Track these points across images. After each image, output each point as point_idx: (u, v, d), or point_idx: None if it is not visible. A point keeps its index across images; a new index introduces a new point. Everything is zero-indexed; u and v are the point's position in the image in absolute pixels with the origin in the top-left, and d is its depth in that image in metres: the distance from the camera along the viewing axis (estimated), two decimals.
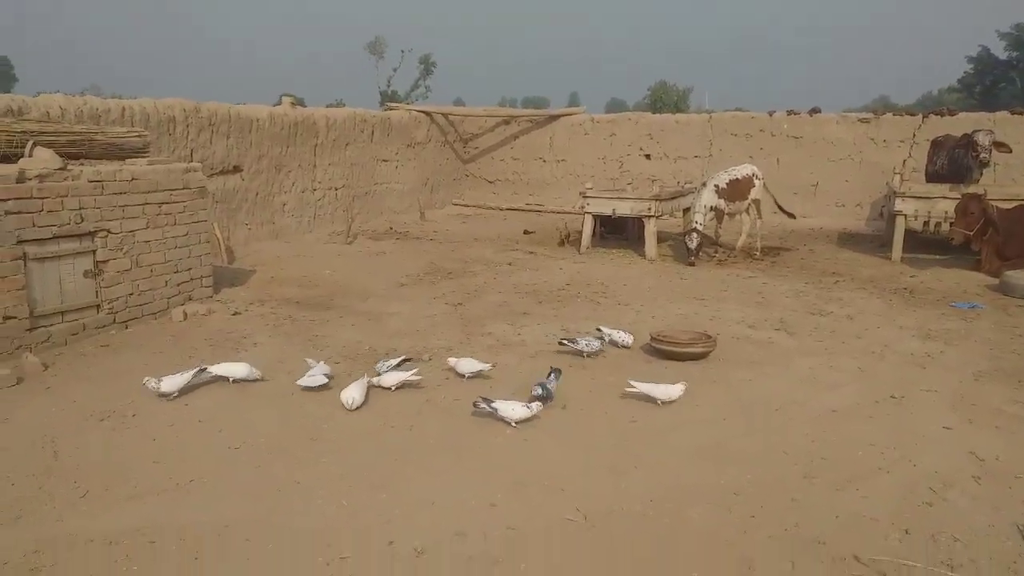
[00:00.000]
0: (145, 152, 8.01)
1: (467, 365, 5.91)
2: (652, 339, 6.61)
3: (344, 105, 14.92)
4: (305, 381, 5.58)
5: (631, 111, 17.72)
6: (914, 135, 14.21)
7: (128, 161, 7.47)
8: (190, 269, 7.84)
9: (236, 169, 10.90)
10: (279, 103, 12.61)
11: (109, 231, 6.89)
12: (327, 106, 15.10)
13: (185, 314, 7.41)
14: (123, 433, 4.84)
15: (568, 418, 5.22)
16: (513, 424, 4.98)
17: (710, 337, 6.59)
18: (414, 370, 5.80)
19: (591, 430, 5.02)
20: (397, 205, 14.95)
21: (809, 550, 3.61)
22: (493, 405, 5.03)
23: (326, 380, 5.59)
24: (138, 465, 4.38)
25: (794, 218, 11.69)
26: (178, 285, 7.69)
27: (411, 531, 3.72)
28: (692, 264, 10.60)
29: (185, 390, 5.47)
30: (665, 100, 45.97)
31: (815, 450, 4.66)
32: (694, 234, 10.63)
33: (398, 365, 5.98)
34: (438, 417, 5.18)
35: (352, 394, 5.25)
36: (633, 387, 5.46)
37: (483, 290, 9.06)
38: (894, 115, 14.88)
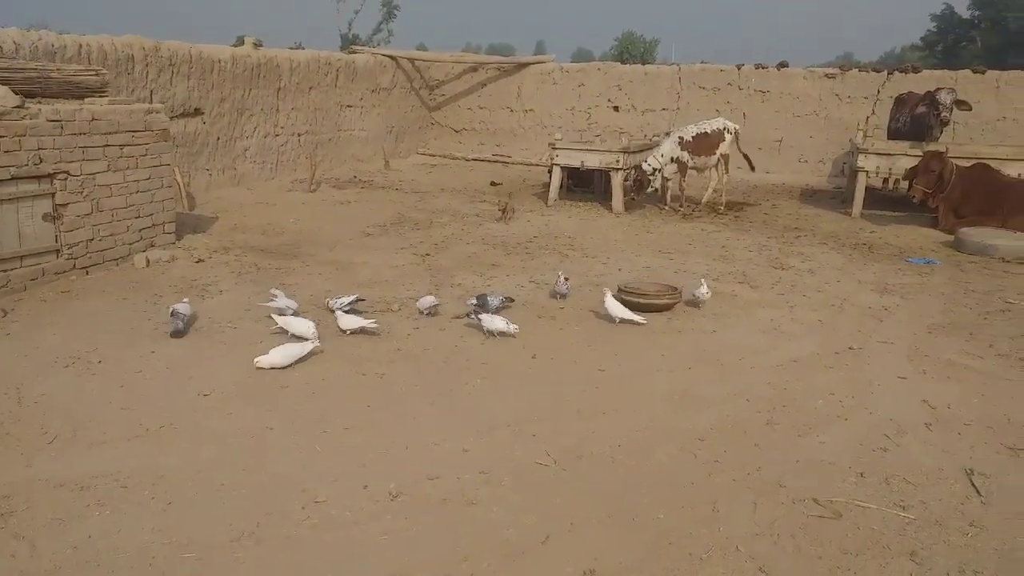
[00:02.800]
0: (103, 92, 7.73)
1: (426, 301, 6.25)
2: (620, 290, 6.68)
3: (304, 48, 14.41)
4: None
5: (599, 61, 17.50)
6: (878, 92, 14.36)
7: (87, 100, 7.22)
8: (152, 215, 7.67)
9: (197, 112, 10.60)
10: (239, 43, 12.23)
11: (69, 173, 6.69)
12: (289, 48, 14.61)
13: (148, 260, 7.28)
14: (89, 379, 4.78)
15: (537, 366, 5.30)
16: (495, 335, 5.68)
17: (675, 289, 6.69)
18: (372, 320, 5.81)
19: (560, 378, 5.10)
20: (361, 153, 14.71)
21: (770, 492, 3.76)
22: (479, 316, 5.78)
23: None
24: (106, 411, 4.35)
25: (753, 170, 11.75)
26: (140, 231, 7.53)
27: (385, 475, 3.78)
28: (631, 200, 10.97)
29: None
30: (632, 51, 45.58)
31: (776, 398, 4.82)
32: (634, 172, 10.81)
33: (351, 303, 6.08)
34: (409, 365, 5.21)
35: (271, 358, 4.99)
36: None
37: (451, 241, 9.04)
38: (860, 71, 14.99)
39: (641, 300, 6.56)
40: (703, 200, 11.47)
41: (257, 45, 12.19)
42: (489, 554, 3.21)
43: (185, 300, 5.85)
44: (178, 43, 10.25)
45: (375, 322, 5.80)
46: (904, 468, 4.00)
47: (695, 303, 6.59)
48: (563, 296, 6.77)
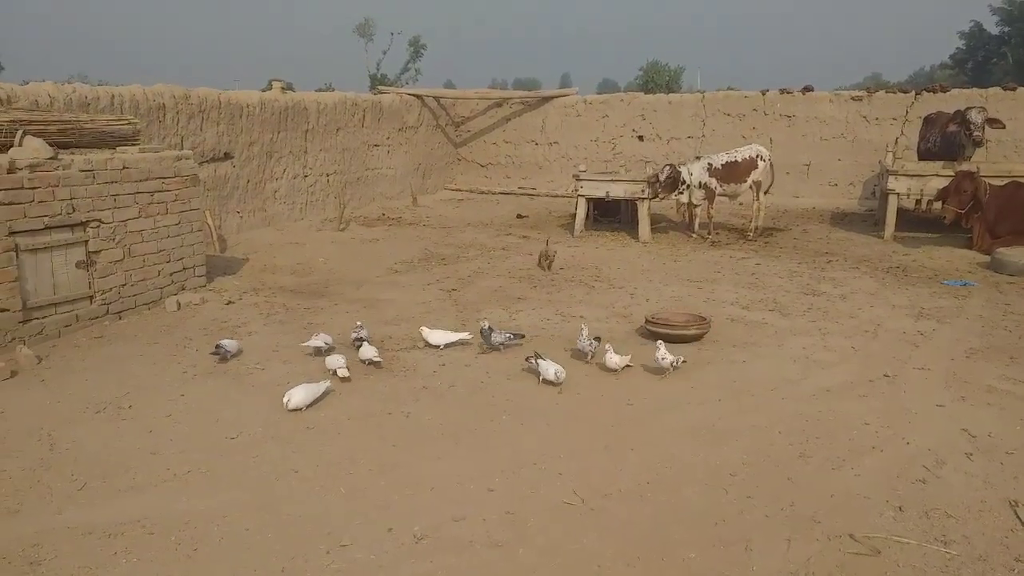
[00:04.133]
0: (135, 140, 7.95)
1: (439, 337, 6.32)
2: (647, 321, 6.63)
3: (334, 89, 14.73)
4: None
5: (623, 92, 17.58)
6: (907, 112, 14.19)
7: (119, 149, 7.42)
8: (183, 259, 7.81)
9: (227, 156, 10.83)
10: (268, 88, 12.52)
11: (101, 221, 6.85)
12: (317, 90, 14.94)
13: (179, 304, 7.39)
14: (119, 425, 4.84)
15: (564, 401, 5.24)
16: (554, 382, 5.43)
17: (704, 319, 6.61)
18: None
19: (587, 413, 5.04)
20: (389, 191, 14.89)
21: (805, 528, 3.65)
22: (539, 361, 5.56)
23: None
24: (135, 456, 4.39)
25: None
26: (171, 275, 7.67)
27: (410, 517, 3.74)
28: (657, 197, 11.15)
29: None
30: (657, 80, 45.69)
31: (809, 429, 4.70)
32: (668, 168, 10.90)
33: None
34: (435, 403, 5.19)
35: (295, 397, 5.01)
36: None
37: (477, 275, 9.05)
38: (886, 92, 14.85)
39: (670, 331, 6.48)
40: (752, 225, 11.34)
41: (285, 89, 12.46)
42: None
43: (233, 339, 6.17)
44: (207, 90, 10.51)
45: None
46: (944, 501, 3.86)
47: (658, 371, 5.69)
48: (588, 355, 5.95)
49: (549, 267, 9.19)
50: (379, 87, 16.51)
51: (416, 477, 4.14)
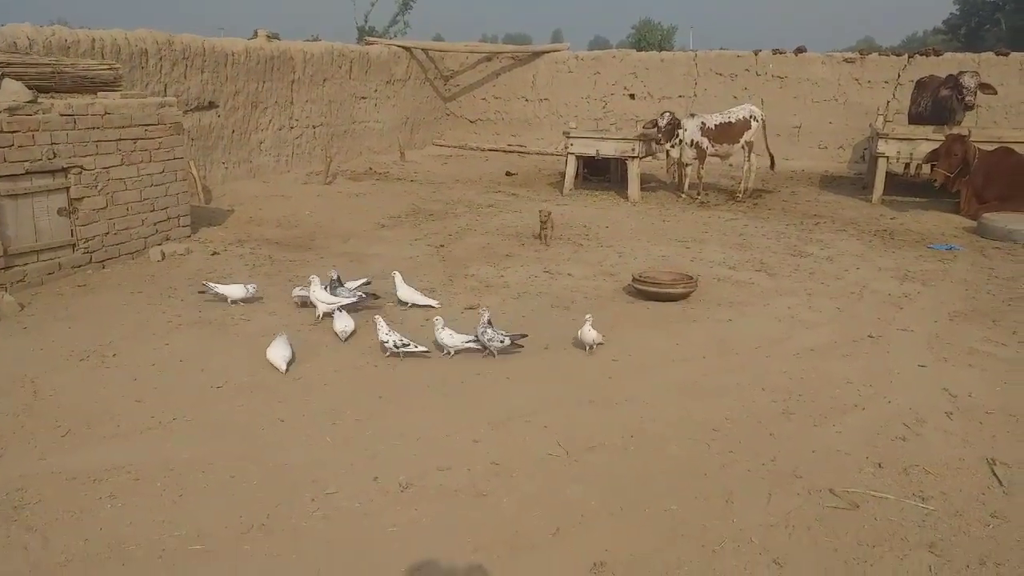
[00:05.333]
0: (117, 86, 7.77)
1: (407, 293, 6.15)
2: (634, 280, 6.63)
3: (320, 40, 14.41)
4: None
5: (614, 49, 17.34)
6: (899, 76, 14.10)
7: (100, 95, 7.25)
8: (167, 208, 7.70)
9: (212, 105, 10.63)
10: (254, 37, 12.24)
11: (83, 167, 6.73)
12: (304, 41, 14.60)
13: (163, 254, 7.31)
14: (103, 373, 4.81)
15: (551, 357, 5.25)
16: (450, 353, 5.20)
17: (691, 278, 6.62)
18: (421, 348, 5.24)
19: (573, 369, 5.06)
20: (376, 144, 14.69)
21: (786, 483, 3.70)
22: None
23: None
24: (120, 404, 4.37)
25: (773, 168, 11.55)
26: (155, 224, 7.57)
27: (396, 466, 3.76)
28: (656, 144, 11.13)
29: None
30: (650, 39, 45.12)
31: (793, 387, 4.74)
32: (668, 115, 10.91)
33: (359, 287, 6.22)
34: (419, 358, 5.18)
35: (276, 354, 4.91)
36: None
37: (466, 232, 9.00)
38: (879, 55, 14.73)
39: (657, 290, 6.50)
40: (742, 187, 11.27)
41: (271, 38, 12.19)
42: (499, 546, 3.18)
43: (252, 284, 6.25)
44: (191, 36, 10.27)
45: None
46: (923, 458, 3.92)
47: (582, 346, 5.33)
48: (593, 347, 5.33)
49: (547, 240, 8.38)
50: (367, 38, 16.17)
51: (402, 428, 4.16)
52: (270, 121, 11.78)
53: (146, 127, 7.42)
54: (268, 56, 11.58)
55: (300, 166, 12.47)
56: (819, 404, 4.53)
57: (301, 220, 9.28)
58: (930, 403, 4.54)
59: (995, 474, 3.77)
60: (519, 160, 15.37)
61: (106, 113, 6.93)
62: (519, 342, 5.23)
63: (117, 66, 7.99)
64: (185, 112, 9.99)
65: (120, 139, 7.13)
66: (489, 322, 5.18)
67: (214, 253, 7.56)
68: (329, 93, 13.14)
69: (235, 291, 6.05)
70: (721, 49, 15.76)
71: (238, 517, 3.34)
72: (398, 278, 6.20)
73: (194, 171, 9.77)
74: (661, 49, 28.04)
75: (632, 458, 3.94)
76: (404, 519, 3.35)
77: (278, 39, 12.93)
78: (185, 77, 10.14)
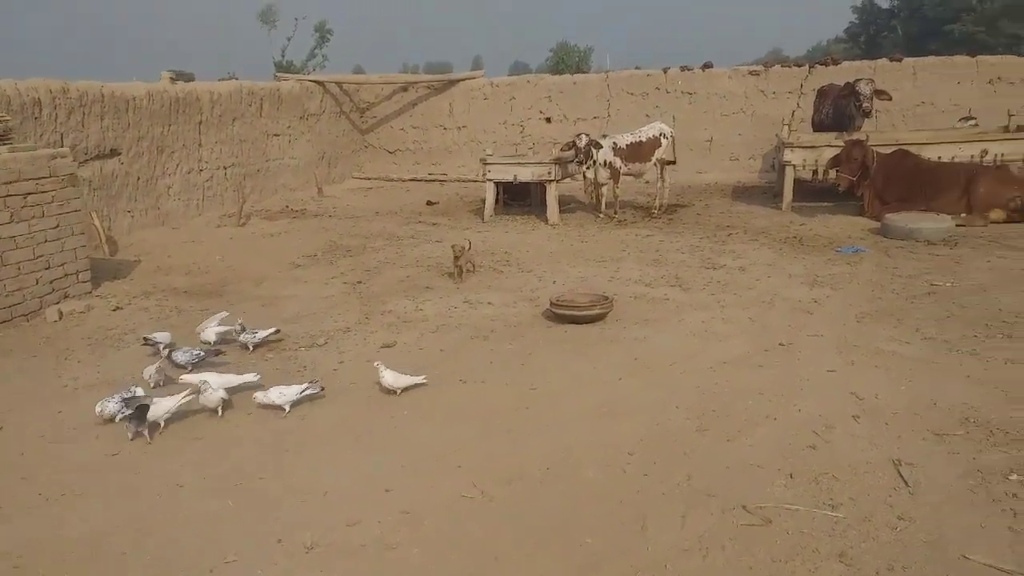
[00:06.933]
0: (8, 139, 7.42)
1: (392, 379, 5.07)
2: (552, 304, 6.61)
3: (237, 79, 14.13)
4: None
5: (528, 74, 17.53)
6: (801, 86, 14.61)
7: None
8: (63, 264, 7.34)
9: (114, 152, 10.24)
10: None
11: None
12: (219, 80, 14.27)
13: (60, 313, 6.95)
14: None
15: (467, 392, 5.16)
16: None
17: (607, 298, 6.63)
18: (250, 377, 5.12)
19: (490, 401, 4.97)
20: (292, 181, 14.42)
21: (700, 503, 3.69)
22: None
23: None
24: (5, 483, 4.08)
25: (673, 163, 11.76)
26: (51, 282, 7.19)
27: (301, 525, 3.59)
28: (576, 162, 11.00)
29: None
30: (567, 61, 45.90)
31: (706, 403, 4.76)
32: (587, 136, 10.90)
33: (268, 336, 6.07)
34: (331, 403, 5.01)
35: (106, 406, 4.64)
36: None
37: (384, 266, 8.86)
38: (782, 67, 15.26)
39: (575, 312, 6.49)
40: (657, 203, 11.43)
41: (174, 80, 11.87)
42: None
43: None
44: (88, 83, 9.89)
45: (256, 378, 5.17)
46: (832, 465, 3.96)
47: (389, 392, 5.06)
48: (399, 392, 5.05)
49: (461, 276, 7.99)
50: (278, 74, 15.91)
51: (309, 483, 3.99)
52: (177, 165, 11.43)
53: (37, 180, 7.07)
54: (172, 99, 11.25)
55: (213, 209, 12.12)
56: (732, 418, 4.55)
57: (212, 266, 8.99)
58: (838, 408, 4.61)
59: (901, 475, 3.84)
60: (440, 188, 15.30)
61: None
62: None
63: (6, 118, 7.64)
64: (84, 162, 9.62)
65: (8, 195, 6.78)
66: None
67: (116, 308, 7.23)
68: (240, 132, 12.85)
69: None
70: (636, 68, 16.07)
71: None
72: (381, 369, 5.10)
73: (96, 222, 9.38)
74: (580, 70, 28.42)
75: (548, 490, 3.87)
76: None
77: (193, 79, 12.58)
78: (83, 125, 9.75)
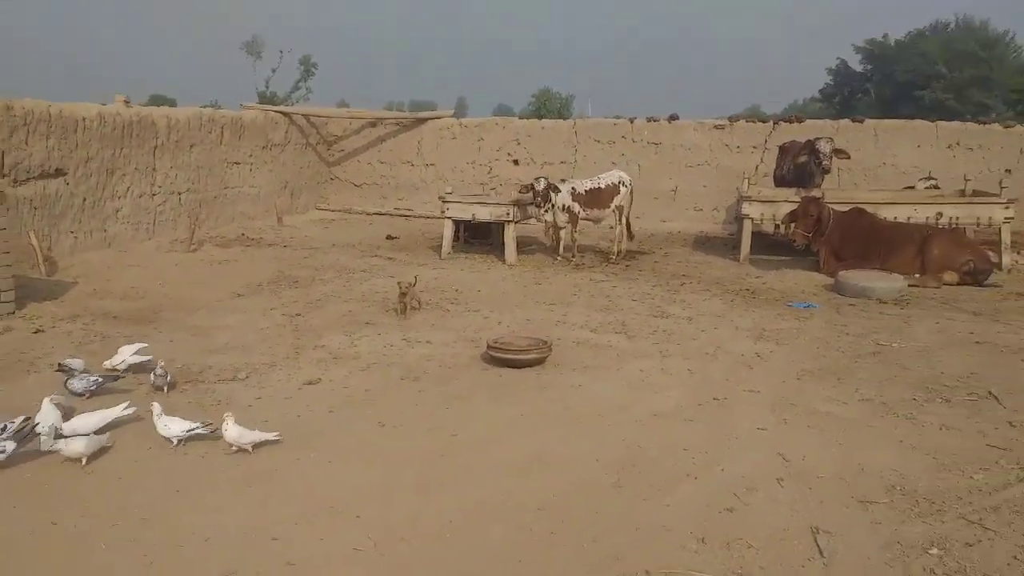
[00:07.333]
0: None
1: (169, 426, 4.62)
2: (489, 346, 6.42)
3: (220, 107, 13.99)
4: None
5: (498, 116, 17.59)
6: (766, 141, 14.77)
7: None
8: None
9: (59, 172, 9.97)
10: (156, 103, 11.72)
11: None
12: (201, 107, 14.07)
13: None
14: None
15: (384, 436, 4.92)
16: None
17: (545, 343, 6.45)
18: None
19: (406, 448, 4.73)
20: (251, 210, 14.19)
21: (604, 567, 3.47)
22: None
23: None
24: None
25: (631, 238, 11.70)
26: None
27: (174, 574, 3.31)
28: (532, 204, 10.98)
29: None
30: (549, 107, 46.44)
31: (628, 457, 4.56)
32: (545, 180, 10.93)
33: (20, 425, 4.46)
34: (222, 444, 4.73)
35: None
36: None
37: (329, 299, 8.63)
38: (746, 122, 15.44)
39: (512, 356, 6.30)
40: (615, 248, 11.35)
41: (128, 103, 11.68)
42: None
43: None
44: (34, 101, 9.66)
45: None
46: (748, 530, 3.76)
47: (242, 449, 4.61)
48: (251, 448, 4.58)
49: (406, 313, 7.89)
50: (243, 104, 15.82)
51: (191, 527, 3.72)
52: (128, 188, 11.16)
53: None
54: (126, 122, 11.03)
55: (164, 234, 11.83)
56: (653, 475, 4.35)
57: (150, 291, 8.69)
58: (764, 469, 4.43)
59: (817, 544, 3.65)
60: (404, 224, 15.13)
61: None
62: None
63: None
64: (26, 180, 9.36)
65: None
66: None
67: (37, 331, 6.91)
68: (198, 159, 12.64)
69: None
70: (606, 117, 16.19)
71: None
72: (229, 421, 4.55)
73: (34, 242, 9.07)
74: (560, 116, 28.63)
75: (446, 548, 3.63)
76: None
77: (173, 105, 12.33)
78: (27, 143, 9.48)
